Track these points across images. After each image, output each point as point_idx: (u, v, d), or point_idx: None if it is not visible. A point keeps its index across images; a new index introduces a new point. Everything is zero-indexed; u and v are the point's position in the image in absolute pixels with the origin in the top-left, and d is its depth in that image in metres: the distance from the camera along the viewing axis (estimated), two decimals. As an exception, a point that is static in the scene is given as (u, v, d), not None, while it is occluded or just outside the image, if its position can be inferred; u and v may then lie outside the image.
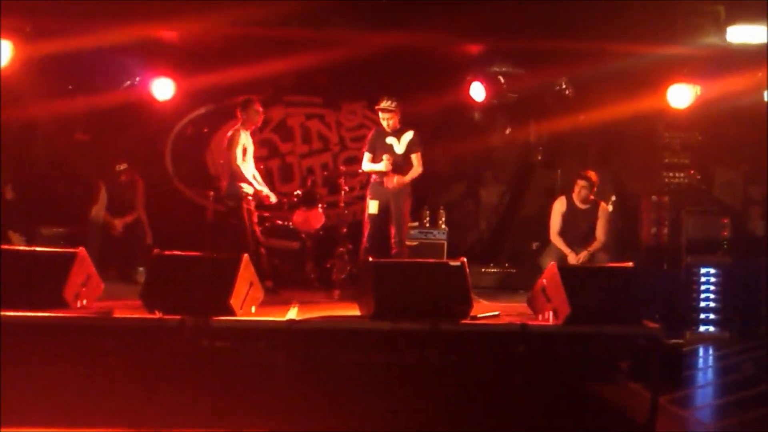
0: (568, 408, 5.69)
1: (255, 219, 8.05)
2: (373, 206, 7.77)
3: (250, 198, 7.87)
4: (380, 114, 7.78)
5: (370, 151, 7.92)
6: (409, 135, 7.81)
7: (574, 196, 8.22)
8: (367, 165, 7.91)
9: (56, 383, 5.26)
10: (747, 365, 7.56)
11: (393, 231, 7.72)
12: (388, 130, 7.80)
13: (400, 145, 7.79)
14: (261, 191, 7.94)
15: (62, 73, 9.14)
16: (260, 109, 8.00)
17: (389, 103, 7.71)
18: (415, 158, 7.82)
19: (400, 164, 7.77)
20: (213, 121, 10.20)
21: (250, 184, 7.83)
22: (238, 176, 7.76)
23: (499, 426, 5.30)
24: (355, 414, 5.34)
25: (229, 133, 7.89)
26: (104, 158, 9.23)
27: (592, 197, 8.21)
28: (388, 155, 7.70)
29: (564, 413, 5.58)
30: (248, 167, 7.92)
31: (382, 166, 7.69)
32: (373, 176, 7.90)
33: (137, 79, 9.22)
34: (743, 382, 6.90)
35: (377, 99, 7.88)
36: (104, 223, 8.57)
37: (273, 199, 8.11)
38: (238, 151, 7.76)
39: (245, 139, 7.86)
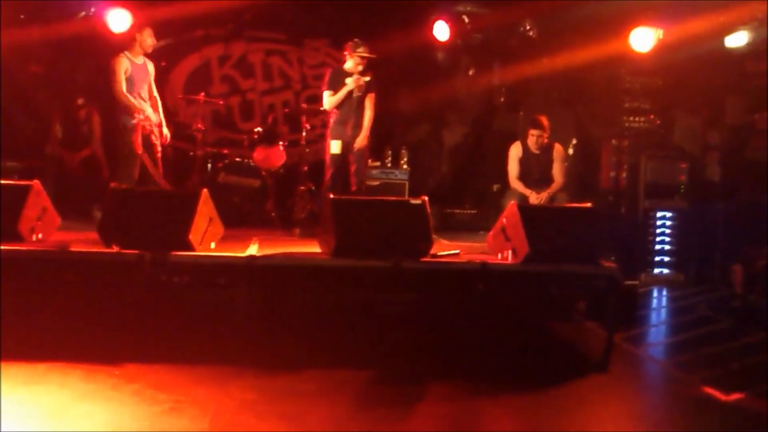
0: (525, 345, 5.80)
1: (156, 151, 7.83)
2: (335, 146, 7.77)
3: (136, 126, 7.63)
4: (353, 58, 7.69)
5: (330, 89, 7.82)
6: (367, 78, 7.75)
7: (529, 142, 8.22)
8: (330, 100, 7.79)
9: (10, 317, 5.19)
10: (700, 306, 7.75)
11: (353, 168, 7.75)
12: (352, 71, 7.71)
13: (358, 86, 7.73)
14: (149, 122, 7.72)
15: (15, 1, 8.83)
16: (152, 33, 7.79)
17: (366, 49, 7.66)
18: (368, 100, 7.81)
19: (362, 103, 7.77)
20: (171, 54, 9.95)
21: (138, 111, 7.57)
22: (123, 105, 7.56)
23: (456, 361, 5.37)
24: (315, 349, 5.37)
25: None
26: (60, 91, 9.01)
27: (545, 141, 8.21)
28: (357, 74, 7.65)
29: (521, 350, 5.68)
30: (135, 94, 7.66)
31: (350, 83, 7.62)
32: (333, 116, 7.83)
33: (92, 9, 8.94)
34: (696, 322, 7.08)
35: (342, 37, 7.79)
36: (59, 157, 8.40)
37: (165, 132, 7.92)
38: (121, 78, 7.54)
39: (128, 65, 7.61)
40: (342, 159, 7.78)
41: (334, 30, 10.19)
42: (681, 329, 6.98)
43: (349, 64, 7.77)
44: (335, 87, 7.77)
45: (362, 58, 7.66)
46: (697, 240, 9.06)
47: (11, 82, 9.57)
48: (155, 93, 7.98)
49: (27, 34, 8.97)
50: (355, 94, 7.68)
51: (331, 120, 7.90)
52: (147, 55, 7.86)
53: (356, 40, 7.74)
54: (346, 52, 7.80)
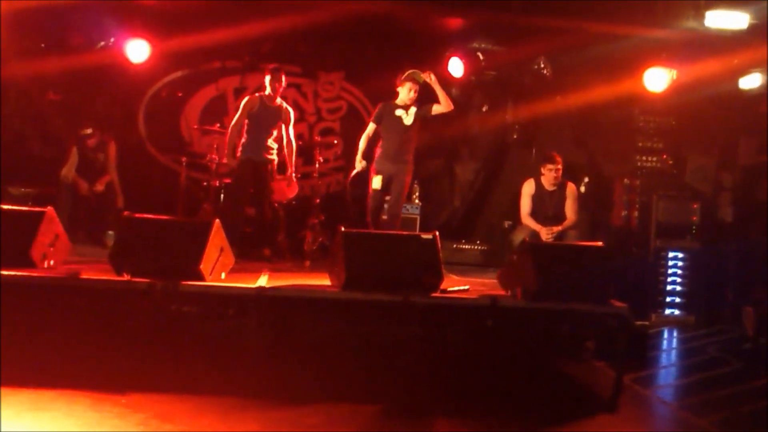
0: (534, 383, 5.75)
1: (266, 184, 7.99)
2: (376, 182, 7.82)
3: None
4: (412, 86, 7.75)
5: (375, 122, 7.90)
6: (414, 108, 7.86)
7: (543, 179, 8.22)
8: (363, 141, 7.90)
9: (19, 343, 5.20)
10: (710, 348, 7.69)
11: (389, 205, 7.87)
12: (407, 102, 7.81)
13: (408, 116, 7.84)
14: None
15: (36, 30, 8.99)
16: (279, 79, 7.91)
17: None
18: (432, 109, 7.85)
19: (410, 136, 7.87)
20: (188, 85, 10.10)
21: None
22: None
23: (464, 398, 5.34)
24: (322, 382, 5.35)
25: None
26: (76, 119, 9.11)
27: (560, 179, 8.20)
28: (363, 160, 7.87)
29: (530, 388, 5.63)
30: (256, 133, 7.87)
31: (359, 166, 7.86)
32: (378, 150, 7.88)
33: (112, 40, 9.11)
34: (706, 364, 7.03)
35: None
36: (73, 184, 8.46)
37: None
38: (240, 115, 7.82)
39: (255, 105, 7.82)
40: (381, 193, 7.84)
41: (349, 64, 10.29)
42: (691, 371, 6.92)
43: (403, 94, 7.82)
44: (380, 121, 7.86)
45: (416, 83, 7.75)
46: (709, 281, 9.01)
47: (29, 109, 9.71)
48: (291, 137, 8.07)
49: (46, 63, 9.11)
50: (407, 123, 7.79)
51: (376, 154, 7.89)
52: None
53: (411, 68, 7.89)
54: (399, 87, 7.86)
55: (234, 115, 8.06)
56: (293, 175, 8.15)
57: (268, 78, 7.87)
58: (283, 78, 7.89)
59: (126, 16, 8.81)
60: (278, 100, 7.94)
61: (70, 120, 9.33)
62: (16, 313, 5.21)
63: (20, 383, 4.76)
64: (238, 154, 7.83)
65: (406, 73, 7.81)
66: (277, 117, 7.92)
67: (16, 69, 9.14)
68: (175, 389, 4.93)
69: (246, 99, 7.98)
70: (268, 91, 7.86)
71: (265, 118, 7.86)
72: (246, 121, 7.83)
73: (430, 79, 7.74)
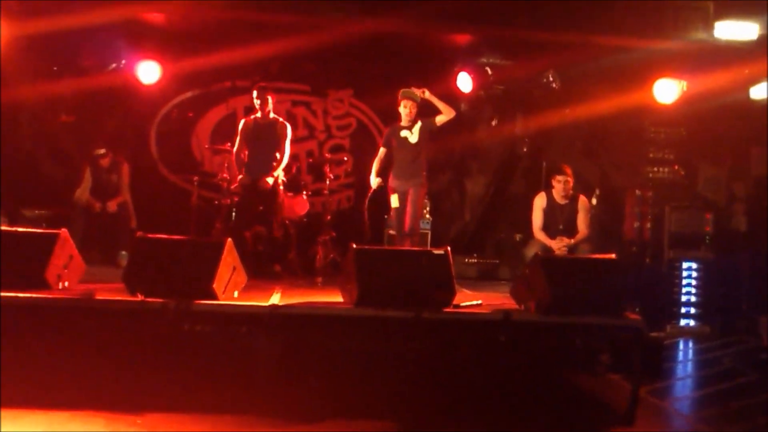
0: (549, 398, 5.72)
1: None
2: (394, 200, 7.96)
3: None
4: (406, 102, 7.85)
5: (385, 146, 8.08)
6: (419, 123, 7.92)
7: (554, 192, 8.18)
8: (375, 163, 8.06)
9: (35, 365, 5.23)
10: (726, 359, 7.63)
11: (407, 219, 7.88)
12: (407, 121, 7.90)
13: (413, 135, 7.91)
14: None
15: (48, 53, 9.09)
16: (259, 95, 8.02)
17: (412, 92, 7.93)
18: (436, 120, 7.88)
19: (419, 152, 7.92)
20: (199, 105, 10.17)
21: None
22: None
23: (479, 414, 5.32)
24: (336, 399, 5.35)
25: None
26: (89, 140, 9.18)
27: (571, 191, 8.17)
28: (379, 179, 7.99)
29: (545, 403, 5.60)
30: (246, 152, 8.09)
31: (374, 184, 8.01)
32: (392, 171, 8.01)
33: (123, 61, 9.19)
34: (722, 375, 6.97)
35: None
36: (87, 205, 8.52)
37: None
38: (239, 138, 8.09)
39: (248, 125, 8.08)
40: (402, 212, 7.91)
41: (357, 82, 10.34)
42: (707, 382, 6.86)
43: (403, 114, 7.91)
44: (389, 145, 8.02)
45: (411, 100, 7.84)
46: (723, 291, 8.96)
47: (42, 132, 9.80)
48: (286, 151, 8.11)
49: (59, 85, 9.20)
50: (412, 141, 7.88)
51: (391, 175, 8.03)
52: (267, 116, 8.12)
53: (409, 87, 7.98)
54: (399, 108, 7.96)
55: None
56: (271, 179, 8.14)
57: (254, 94, 8.01)
58: (269, 97, 8.04)
59: (137, 38, 8.90)
60: (272, 116, 8.08)
61: (83, 141, 9.41)
62: (31, 334, 5.23)
63: (35, 404, 4.78)
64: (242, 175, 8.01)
65: (400, 95, 7.91)
66: (272, 133, 8.04)
67: (29, 91, 9.24)
68: (189, 409, 4.93)
69: (242, 122, 8.20)
70: (259, 113, 8.03)
71: (261, 137, 8.03)
72: (245, 143, 8.03)
73: (424, 94, 7.82)
